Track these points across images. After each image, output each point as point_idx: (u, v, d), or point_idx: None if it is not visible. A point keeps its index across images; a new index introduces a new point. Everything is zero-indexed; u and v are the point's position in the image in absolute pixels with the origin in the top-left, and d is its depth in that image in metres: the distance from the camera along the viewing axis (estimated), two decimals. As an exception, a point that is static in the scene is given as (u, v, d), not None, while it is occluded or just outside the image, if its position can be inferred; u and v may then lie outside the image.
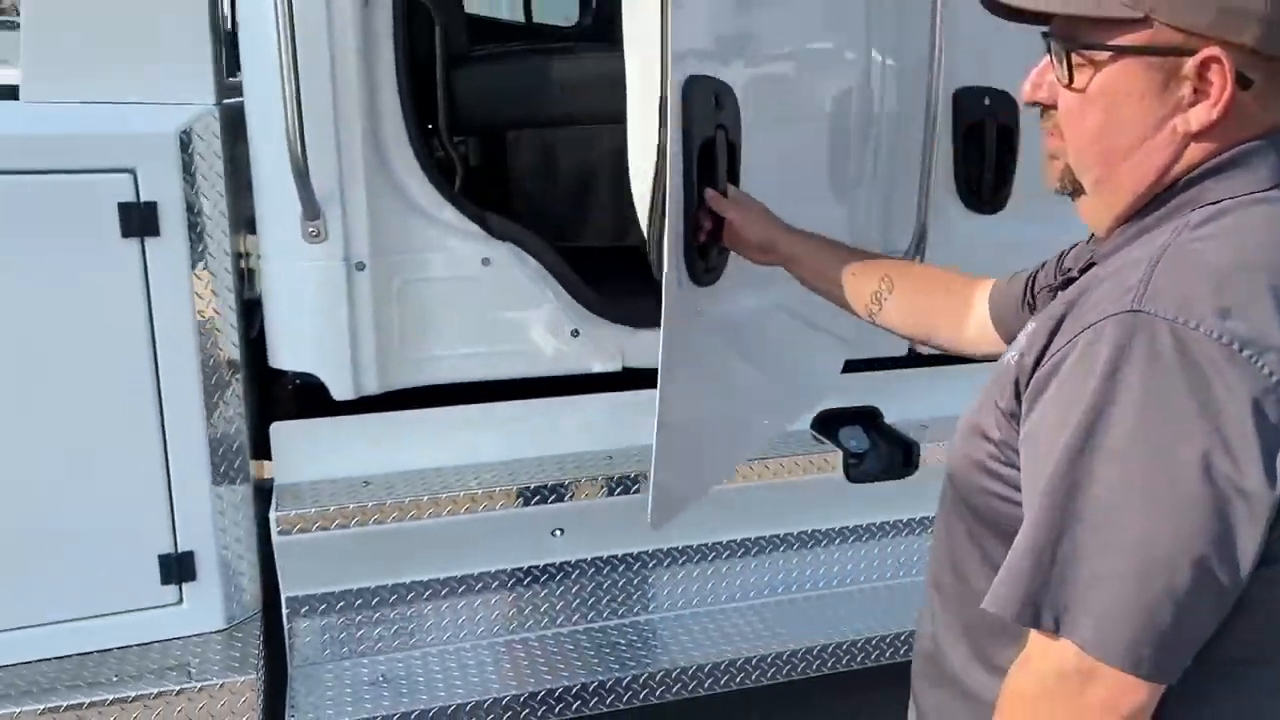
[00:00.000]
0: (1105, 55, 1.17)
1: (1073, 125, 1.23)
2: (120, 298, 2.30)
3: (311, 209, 2.37)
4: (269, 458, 2.65)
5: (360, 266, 2.50)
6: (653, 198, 1.98)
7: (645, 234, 2.07)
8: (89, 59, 2.28)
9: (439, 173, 2.59)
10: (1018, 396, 1.20)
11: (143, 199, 2.28)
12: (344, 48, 2.37)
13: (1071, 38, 1.19)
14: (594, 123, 2.78)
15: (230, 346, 2.45)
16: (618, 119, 2.79)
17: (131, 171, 2.26)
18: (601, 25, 4.97)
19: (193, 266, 2.35)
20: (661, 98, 1.81)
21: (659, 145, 1.88)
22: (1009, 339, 1.55)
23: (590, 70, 2.77)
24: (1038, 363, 1.16)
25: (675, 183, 1.84)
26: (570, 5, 5.08)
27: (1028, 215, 2.84)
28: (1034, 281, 1.66)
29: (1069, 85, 1.21)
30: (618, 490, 2.71)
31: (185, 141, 2.29)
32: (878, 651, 2.74)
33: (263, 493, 2.65)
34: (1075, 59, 1.19)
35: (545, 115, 2.75)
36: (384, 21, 2.44)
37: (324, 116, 2.37)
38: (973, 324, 1.78)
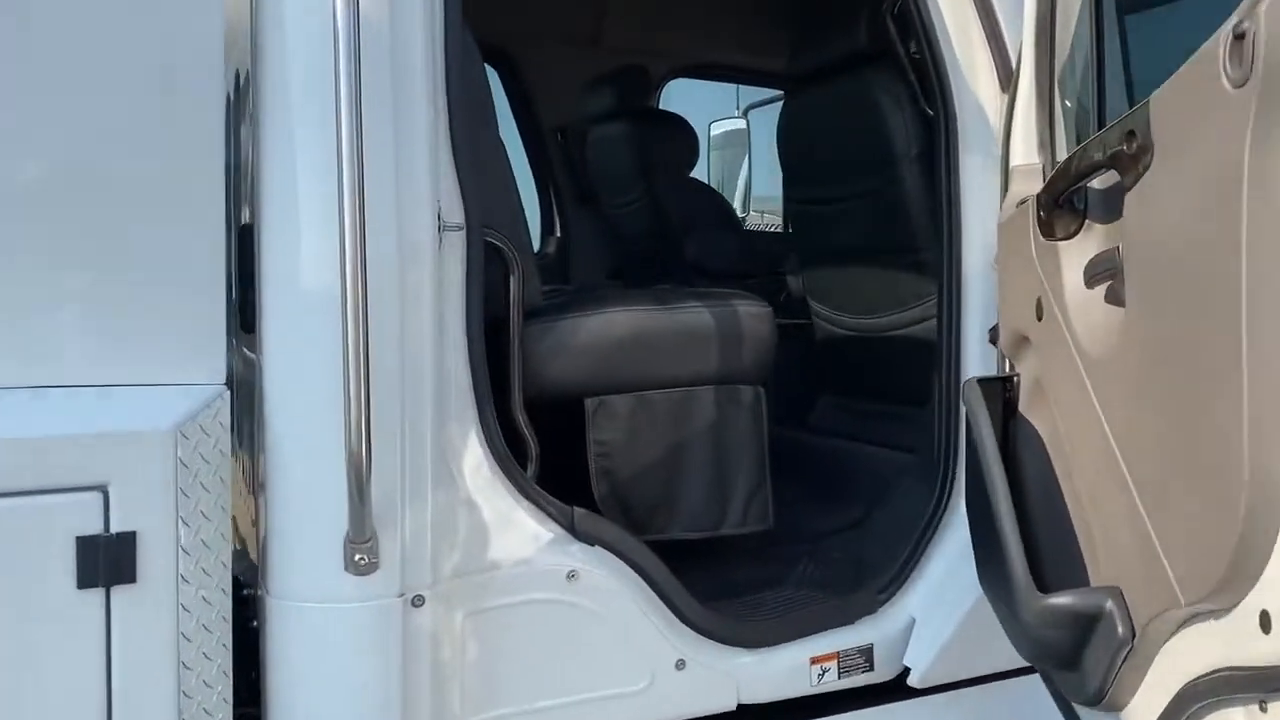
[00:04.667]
0: None
1: None
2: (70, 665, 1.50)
3: (363, 529, 1.65)
4: None
5: (418, 601, 1.77)
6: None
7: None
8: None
9: (511, 459, 1.92)
10: None
11: (114, 529, 1.52)
12: (419, 304, 1.74)
13: None
14: (688, 385, 2.21)
15: (221, 733, 1.64)
16: (716, 380, 2.27)
17: (101, 489, 1.51)
18: (564, 255, 4.54)
19: (179, 623, 1.58)
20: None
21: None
22: None
23: (689, 324, 2.22)
24: None
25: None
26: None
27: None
28: None
29: None
30: None
31: (184, 439, 1.57)
32: None
33: None
34: None
35: (634, 377, 2.16)
36: (456, 270, 1.84)
37: (391, 398, 1.70)
38: None
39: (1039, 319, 1.84)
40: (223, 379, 1.67)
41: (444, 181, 1.85)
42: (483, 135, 2.05)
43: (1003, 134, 2.22)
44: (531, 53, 4.29)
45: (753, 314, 2.29)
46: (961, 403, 2.09)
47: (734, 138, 5.90)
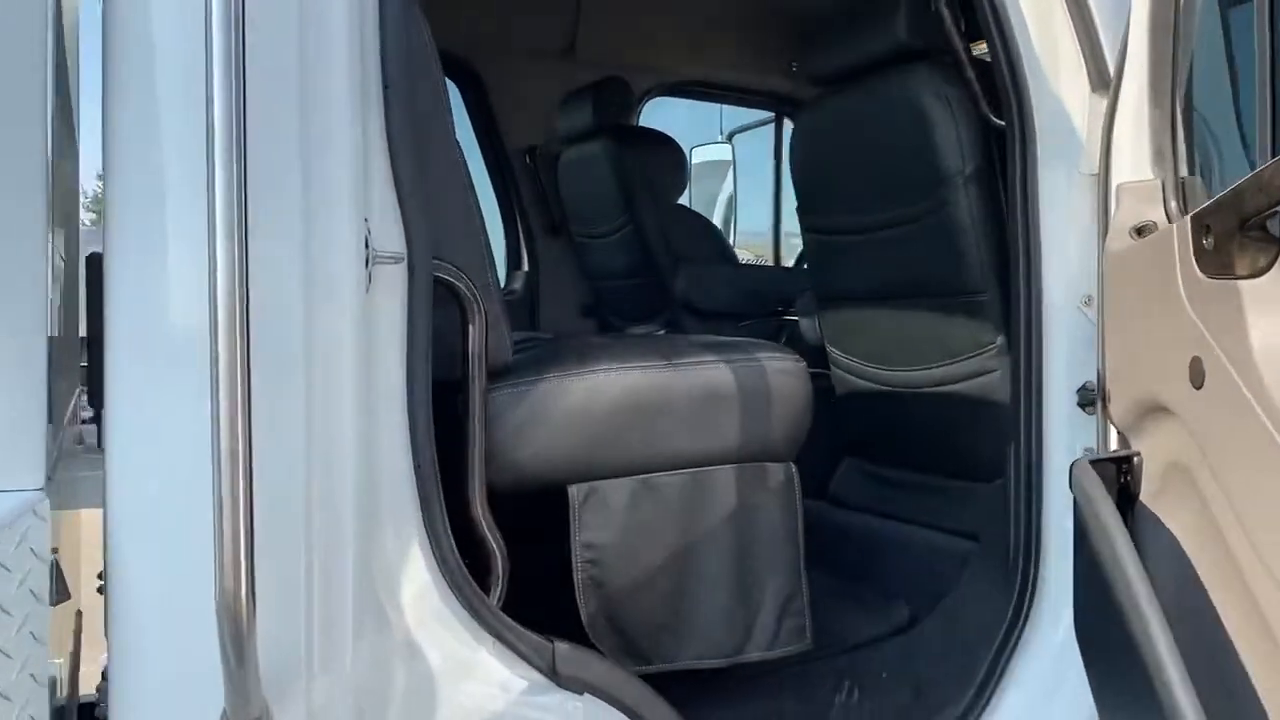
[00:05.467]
0: None
1: None
2: None
3: (245, 701, 1.10)
4: None
5: (333, 801, 1.23)
6: None
7: None
8: None
9: (469, 580, 1.39)
10: None
11: None
12: (335, 363, 1.22)
13: None
14: (703, 464, 1.70)
15: None
16: (738, 457, 1.75)
17: None
18: (532, 292, 4.04)
19: None
20: None
21: None
22: None
23: (703, 385, 1.70)
24: None
25: None
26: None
27: None
28: None
29: None
30: None
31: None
32: None
33: None
34: None
35: (633, 456, 1.64)
36: (393, 315, 1.32)
37: (289, 502, 1.17)
38: None
39: (1196, 385, 1.35)
40: (40, 481, 1.13)
41: (377, 197, 1.34)
42: (434, 139, 1.54)
43: (1101, 145, 1.75)
44: (496, 64, 3.80)
45: (783, 370, 1.78)
46: (1071, 490, 1.60)
47: (718, 166, 5.45)
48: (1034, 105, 1.84)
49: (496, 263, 4.14)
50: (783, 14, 3.61)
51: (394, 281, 1.34)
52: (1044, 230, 1.86)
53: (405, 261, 1.34)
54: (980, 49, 2.05)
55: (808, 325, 2.72)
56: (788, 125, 4.40)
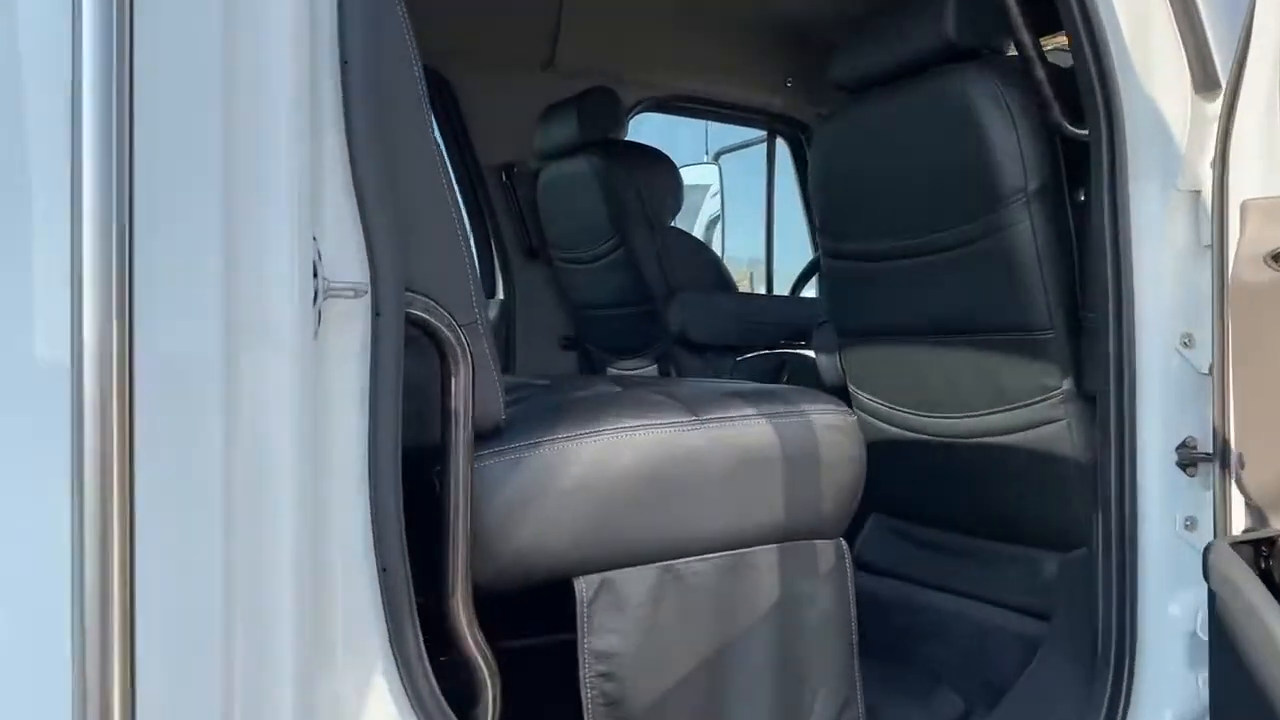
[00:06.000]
0: None
1: None
2: None
3: None
4: None
5: None
6: None
7: None
8: None
9: (450, 717, 1.05)
10: None
11: None
12: (272, 429, 0.89)
13: None
14: (739, 545, 1.37)
15: None
16: (782, 535, 1.43)
17: None
18: (507, 322, 3.70)
19: None
20: None
21: None
22: None
23: (739, 446, 1.37)
24: None
25: None
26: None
27: None
28: None
29: None
30: None
31: None
32: None
33: None
34: None
35: (655, 538, 1.31)
36: (351, 361, 0.98)
37: (199, 626, 0.83)
38: None
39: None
40: None
41: (329, 208, 1.01)
42: (408, 134, 1.21)
43: (1215, 156, 1.46)
44: (469, 75, 3.47)
45: (833, 426, 1.46)
46: (1206, 581, 1.29)
47: (700, 190, 5.18)
48: (1125, 110, 1.55)
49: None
50: (779, 25, 3.34)
51: (352, 321, 1.00)
52: (1135, 257, 1.56)
53: (368, 295, 1.01)
54: (1050, 45, 1.77)
55: (827, 363, 2.40)
56: (780, 145, 4.14)
